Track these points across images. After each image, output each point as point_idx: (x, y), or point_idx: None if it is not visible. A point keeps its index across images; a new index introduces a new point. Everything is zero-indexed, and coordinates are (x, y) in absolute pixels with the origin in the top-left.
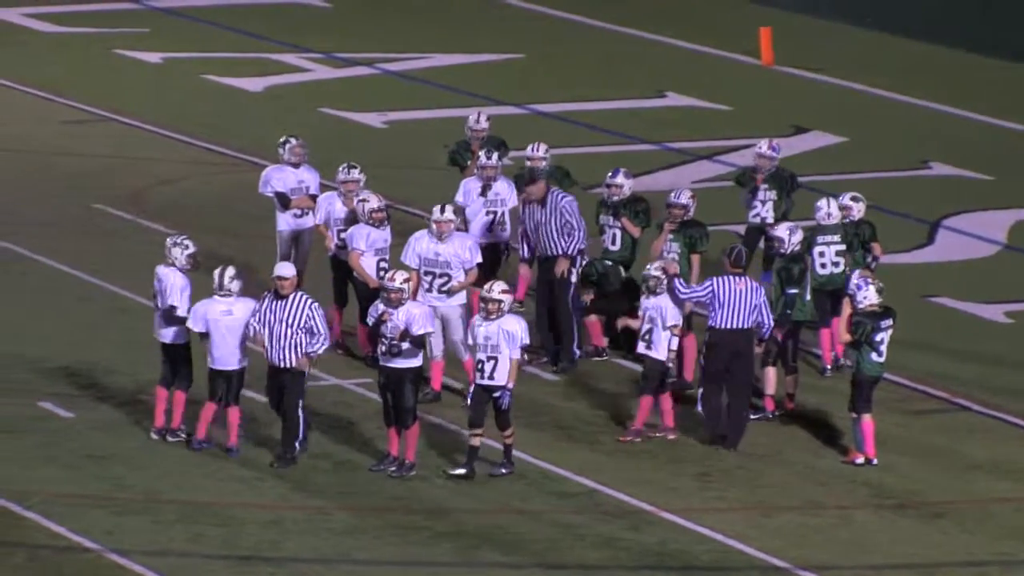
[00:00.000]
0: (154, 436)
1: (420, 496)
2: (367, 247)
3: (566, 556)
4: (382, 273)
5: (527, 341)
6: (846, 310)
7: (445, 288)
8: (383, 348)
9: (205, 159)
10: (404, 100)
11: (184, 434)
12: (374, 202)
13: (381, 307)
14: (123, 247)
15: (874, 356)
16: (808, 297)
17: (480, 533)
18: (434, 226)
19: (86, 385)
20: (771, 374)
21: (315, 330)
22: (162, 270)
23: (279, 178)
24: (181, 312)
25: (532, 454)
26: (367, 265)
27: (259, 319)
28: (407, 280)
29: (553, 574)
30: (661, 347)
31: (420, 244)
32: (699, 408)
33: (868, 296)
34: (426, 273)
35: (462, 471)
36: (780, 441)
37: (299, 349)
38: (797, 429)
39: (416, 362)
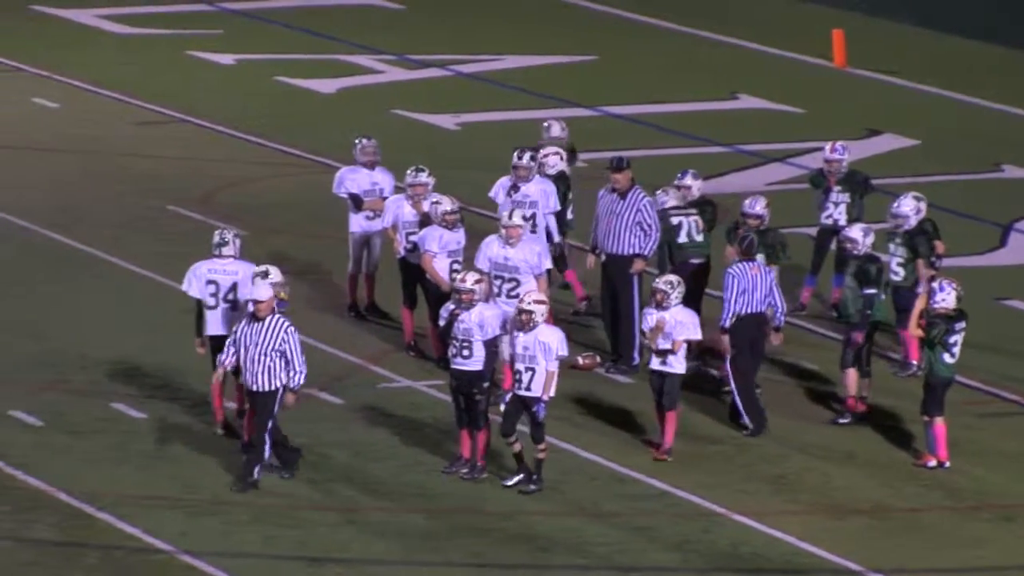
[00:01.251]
0: (219, 431)
1: (491, 498)
2: (439, 249)
3: (637, 558)
4: (454, 275)
5: (564, 352)
6: (918, 305)
7: (514, 293)
8: (454, 351)
9: (277, 161)
10: (477, 102)
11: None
12: (447, 204)
13: (452, 308)
14: (195, 249)
15: (947, 358)
16: (883, 297)
17: (551, 535)
18: (503, 231)
19: (158, 386)
20: (852, 376)
21: (289, 356)
22: (224, 264)
23: (352, 179)
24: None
25: (604, 456)
26: (440, 267)
27: (235, 341)
28: (479, 281)
29: None
30: (680, 361)
31: (491, 248)
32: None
33: (947, 300)
34: (496, 277)
35: (519, 478)
36: (852, 443)
37: (271, 373)
38: (869, 431)
39: (492, 365)
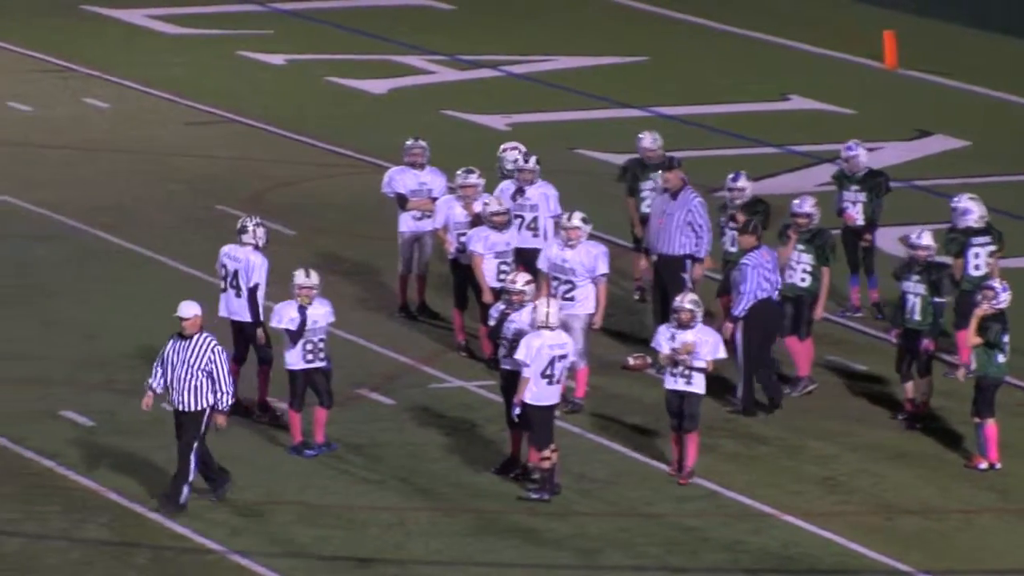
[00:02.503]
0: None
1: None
2: (486, 250)
3: (688, 559)
4: (503, 276)
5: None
6: (983, 307)
7: (570, 295)
8: (504, 351)
9: (327, 161)
10: (527, 102)
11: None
12: (494, 205)
13: (503, 308)
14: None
15: (1000, 358)
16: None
17: (602, 536)
18: (563, 232)
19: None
20: (922, 382)
21: (215, 376)
22: (237, 250)
23: (400, 179)
24: (261, 291)
25: (654, 457)
26: (487, 269)
27: (163, 360)
28: (529, 282)
29: None
30: (701, 382)
31: (551, 250)
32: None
33: (1006, 299)
34: (553, 279)
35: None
36: (903, 445)
37: (198, 393)
38: (920, 433)
39: None
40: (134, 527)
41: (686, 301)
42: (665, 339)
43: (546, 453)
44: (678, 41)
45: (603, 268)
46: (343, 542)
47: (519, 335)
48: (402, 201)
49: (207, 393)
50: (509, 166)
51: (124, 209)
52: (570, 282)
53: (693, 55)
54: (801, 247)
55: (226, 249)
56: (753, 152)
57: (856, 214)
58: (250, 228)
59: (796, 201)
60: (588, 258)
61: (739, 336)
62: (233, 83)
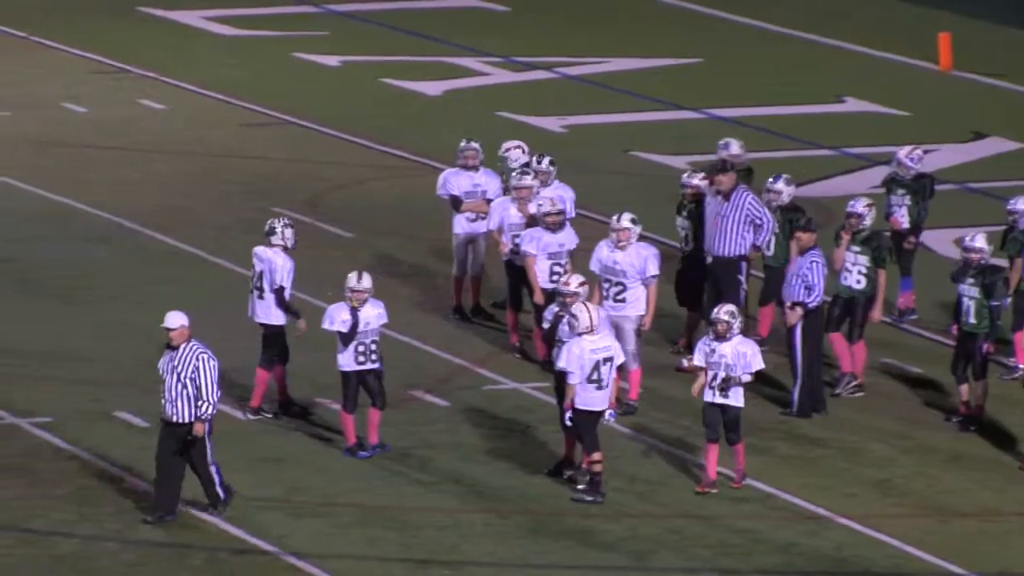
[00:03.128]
0: (249, 416)
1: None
2: (538, 251)
3: (741, 561)
4: (555, 277)
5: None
6: None
7: (620, 297)
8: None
9: (382, 163)
10: (582, 104)
11: (269, 413)
12: (548, 205)
13: (557, 310)
14: (300, 250)
15: None
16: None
17: (656, 538)
18: (613, 234)
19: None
20: (981, 386)
21: (199, 384)
22: (266, 251)
23: (455, 181)
24: (288, 293)
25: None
26: (539, 270)
27: (161, 370)
28: (583, 284)
29: None
30: (741, 394)
31: (601, 251)
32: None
33: None
34: (604, 280)
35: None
36: (958, 447)
37: (191, 403)
38: (975, 435)
39: None
40: (188, 529)
41: (723, 312)
42: (702, 352)
43: (596, 457)
44: (732, 43)
45: (653, 270)
46: (397, 544)
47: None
48: (456, 203)
49: (197, 410)
50: (513, 165)
51: (179, 210)
52: (621, 284)
53: (747, 57)
54: (856, 248)
55: (256, 250)
56: (807, 154)
57: (901, 217)
58: (278, 229)
59: (851, 202)
60: (638, 259)
61: (797, 339)
62: (288, 85)
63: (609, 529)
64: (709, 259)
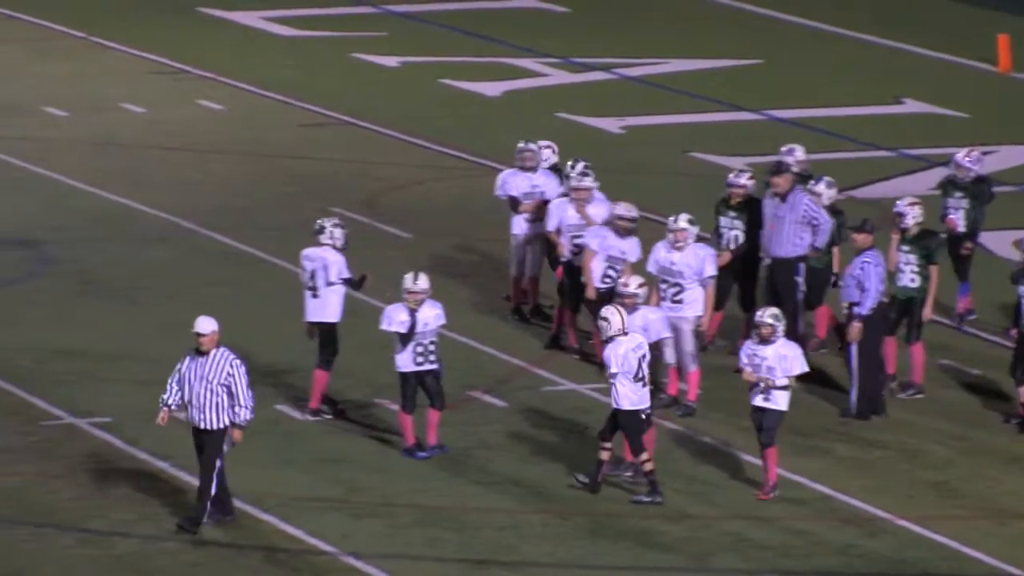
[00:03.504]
0: (308, 417)
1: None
2: (600, 248)
3: (800, 563)
4: (608, 280)
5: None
6: None
7: (678, 298)
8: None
9: (441, 163)
10: (641, 105)
11: (327, 414)
12: (622, 209)
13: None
14: (358, 251)
15: None
16: None
17: (715, 539)
18: (670, 235)
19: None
20: None
21: (234, 390)
22: (315, 251)
23: (513, 182)
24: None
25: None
26: (595, 268)
27: (180, 378)
28: (642, 285)
29: None
30: (783, 398)
31: (658, 252)
32: (853, 386)
33: None
34: (662, 282)
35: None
36: (1017, 449)
37: (219, 410)
38: None
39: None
40: (247, 528)
41: (767, 315)
42: (746, 354)
43: (644, 456)
44: (792, 44)
45: (711, 270)
46: (456, 544)
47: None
48: (514, 204)
49: (228, 409)
50: (544, 165)
51: (238, 211)
52: (678, 285)
53: (807, 58)
54: (906, 248)
55: (305, 251)
56: (865, 155)
57: (958, 220)
58: (328, 228)
59: (899, 201)
60: (696, 260)
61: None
62: (347, 85)
63: (668, 530)
64: (767, 260)
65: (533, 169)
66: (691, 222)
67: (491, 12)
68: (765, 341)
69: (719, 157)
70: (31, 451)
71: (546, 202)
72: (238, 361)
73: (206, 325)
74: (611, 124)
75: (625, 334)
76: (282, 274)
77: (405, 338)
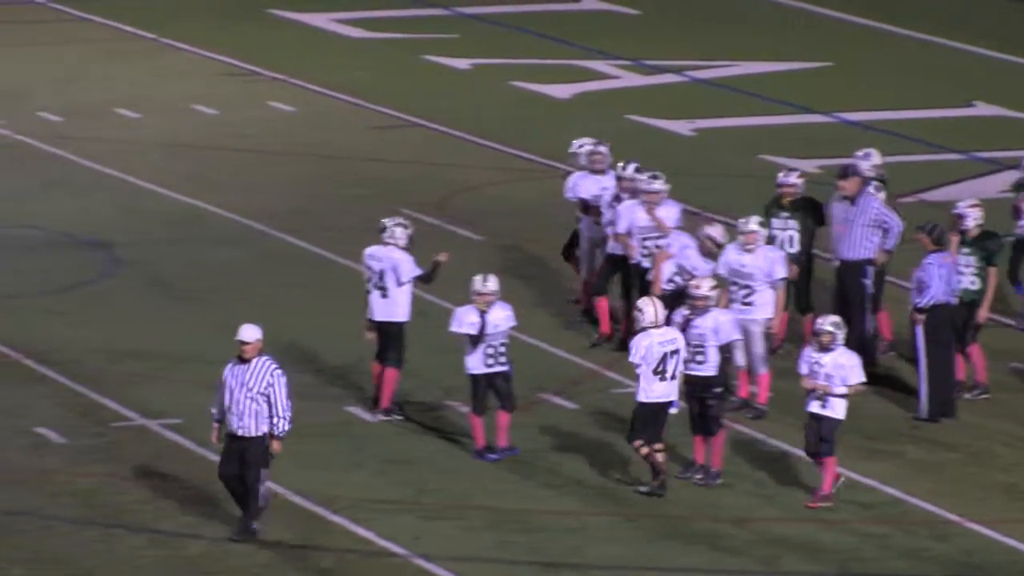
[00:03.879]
0: (379, 417)
1: (726, 504)
2: (676, 254)
3: (870, 566)
4: (670, 284)
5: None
6: None
7: (748, 300)
8: (687, 356)
9: (512, 165)
10: (712, 108)
11: (396, 415)
12: (716, 232)
13: (686, 313)
14: (429, 253)
15: None
16: None
17: (784, 542)
18: (740, 237)
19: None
20: None
21: (273, 400)
22: (381, 250)
23: (583, 184)
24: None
25: (838, 463)
26: (665, 269)
27: (221, 383)
28: (714, 288)
29: None
30: (840, 406)
31: (729, 254)
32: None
33: None
34: (732, 283)
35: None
36: None
37: (259, 417)
38: None
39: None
40: (317, 530)
41: (827, 323)
42: (806, 362)
43: (657, 447)
44: (863, 47)
45: (781, 272)
46: (526, 547)
47: (701, 340)
48: (584, 207)
49: (267, 418)
50: (583, 161)
51: (307, 212)
52: (748, 287)
53: (878, 61)
54: (966, 250)
55: (369, 251)
56: (936, 158)
57: None
58: (389, 227)
59: (960, 203)
60: (766, 262)
61: (920, 342)
62: (417, 87)
63: (736, 533)
64: (835, 263)
65: (603, 172)
66: (762, 224)
67: (562, 14)
68: (824, 349)
69: (789, 160)
70: (102, 452)
71: (614, 205)
72: (279, 371)
73: (250, 333)
74: (681, 127)
75: (658, 327)
76: (352, 276)
77: (475, 340)
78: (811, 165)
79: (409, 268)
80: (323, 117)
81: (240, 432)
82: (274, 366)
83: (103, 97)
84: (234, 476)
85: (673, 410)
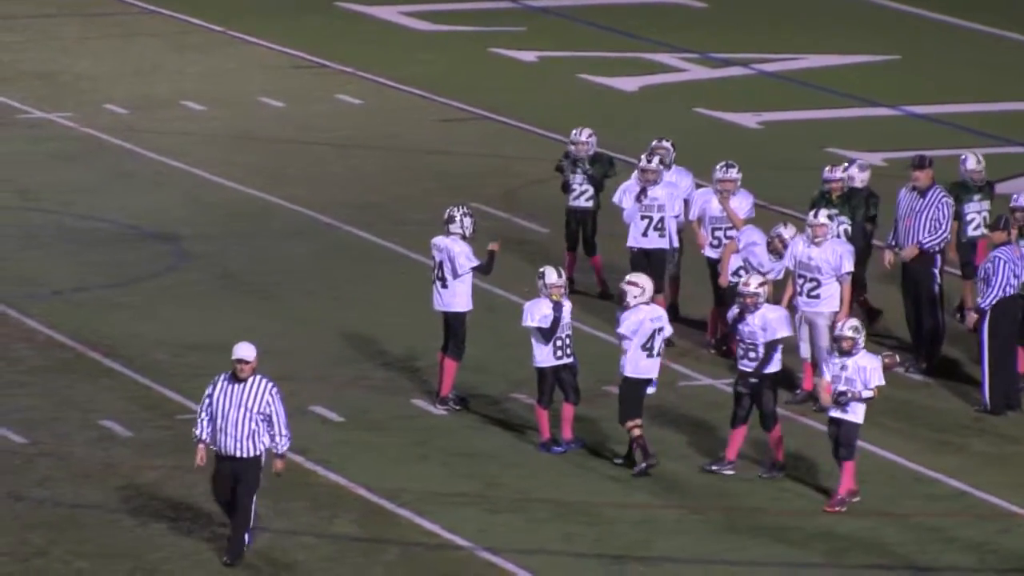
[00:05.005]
0: (440, 407)
1: (788, 497)
2: (743, 247)
3: (935, 559)
4: (734, 279)
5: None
6: None
7: (814, 293)
8: (740, 352)
9: None
10: (779, 101)
11: (454, 405)
12: (787, 232)
13: (737, 311)
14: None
15: None
16: None
17: (850, 535)
18: (809, 229)
19: (456, 383)
20: None
21: (274, 419)
22: (443, 240)
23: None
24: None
25: (903, 456)
26: (732, 262)
27: (209, 405)
28: (762, 284)
29: None
30: (860, 409)
31: (796, 247)
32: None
33: None
34: (799, 276)
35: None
36: None
37: (257, 437)
38: None
39: (775, 366)
40: (383, 523)
41: (847, 328)
42: (830, 369)
43: (636, 422)
44: (929, 39)
45: (848, 266)
46: (592, 539)
47: (752, 339)
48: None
49: (263, 437)
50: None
51: (376, 206)
52: (815, 280)
53: (944, 54)
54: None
55: (434, 240)
56: (1003, 151)
57: None
58: (458, 217)
59: (1016, 195)
60: (834, 256)
61: (984, 334)
62: (485, 80)
63: (803, 526)
64: (901, 255)
65: (654, 183)
66: (830, 218)
67: (629, 7)
68: (845, 353)
69: (856, 152)
70: (167, 445)
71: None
72: (276, 388)
73: (249, 351)
74: (748, 119)
75: (648, 304)
76: (420, 269)
77: (547, 333)
78: (877, 158)
79: (465, 259)
80: (391, 110)
81: (237, 454)
82: (271, 384)
83: (171, 90)
84: (227, 500)
85: (651, 389)
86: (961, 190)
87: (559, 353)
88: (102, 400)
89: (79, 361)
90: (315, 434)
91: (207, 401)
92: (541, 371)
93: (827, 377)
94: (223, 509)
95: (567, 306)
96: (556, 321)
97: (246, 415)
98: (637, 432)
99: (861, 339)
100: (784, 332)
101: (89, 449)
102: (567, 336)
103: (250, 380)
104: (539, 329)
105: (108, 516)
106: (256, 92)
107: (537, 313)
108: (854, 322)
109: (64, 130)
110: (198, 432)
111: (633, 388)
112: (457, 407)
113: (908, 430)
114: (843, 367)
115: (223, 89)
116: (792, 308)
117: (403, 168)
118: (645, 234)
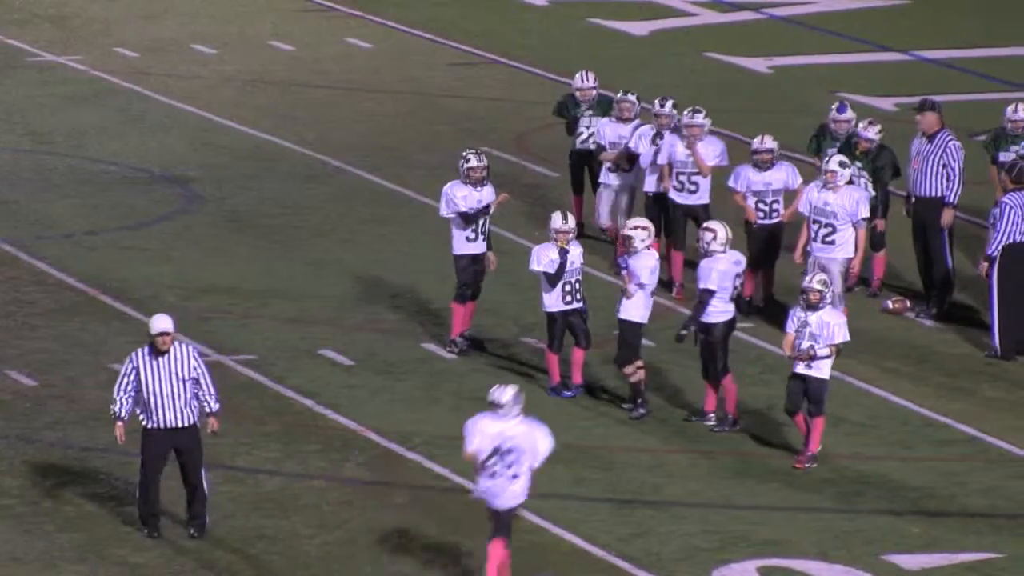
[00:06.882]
0: (449, 350)
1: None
2: (743, 188)
3: (946, 503)
4: (760, 214)
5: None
6: None
7: (829, 239)
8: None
9: None
10: (789, 45)
11: (454, 347)
12: (756, 143)
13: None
14: (508, 190)
15: None
16: None
17: (861, 479)
18: (824, 175)
19: (473, 326)
20: None
21: (202, 380)
22: (455, 186)
23: (600, 132)
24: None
25: (914, 401)
26: (750, 204)
27: (132, 382)
28: (824, 282)
29: (933, 521)
30: (826, 366)
31: (811, 193)
32: (994, 326)
33: None
34: (813, 222)
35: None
36: None
37: (193, 404)
38: None
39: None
40: (394, 467)
41: (815, 281)
42: (793, 319)
43: (630, 368)
44: None
45: (864, 212)
46: (603, 484)
47: (803, 326)
48: (600, 151)
49: (194, 400)
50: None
51: (388, 149)
52: (831, 225)
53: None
54: None
55: (446, 189)
56: (1012, 96)
57: None
58: (462, 160)
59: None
60: (850, 202)
61: (992, 280)
62: (497, 24)
63: (815, 470)
64: (913, 199)
65: (628, 121)
66: (843, 164)
67: None
68: (812, 307)
69: (867, 98)
70: None
71: (631, 155)
72: (196, 349)
73: (169, 323)
74: (759, 64)
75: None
76: (432, 212)
77: (554, 278)
78: (888, 103)
79: (445, 203)
80: (402, 54)
81: (180, 423)
82: (191, 347)
83: (180, 33)
84: (158, 470)
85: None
86: (1000, 137)
87: (568, 298)
88: (113, 343)
89: (90, 304)
90: (326, 377)
91: (127, 379)
92: (550, 316)
93: (790, 331)
94: (150, 489)
95: (577, 251)
96: (562, 266)
97: (179, 384)
98: (635, 378)
99: (828, 293)
100: (844, 337)
101: (100, 392)
102: (576, 281)
103: (172, 350)
104: (545, 274)
105: (119, 458)
106: (266, 35)
107: (544, 258)
108: (822, 276)
109: (75, 73)
110: (117, 409)
111: (638, 333)
112: (457, 351)
113: (919, 375)
114: (806, 323)
115: (233, 32)
116: (806, 254)
117: (414, 112)
118: (661, 179)
